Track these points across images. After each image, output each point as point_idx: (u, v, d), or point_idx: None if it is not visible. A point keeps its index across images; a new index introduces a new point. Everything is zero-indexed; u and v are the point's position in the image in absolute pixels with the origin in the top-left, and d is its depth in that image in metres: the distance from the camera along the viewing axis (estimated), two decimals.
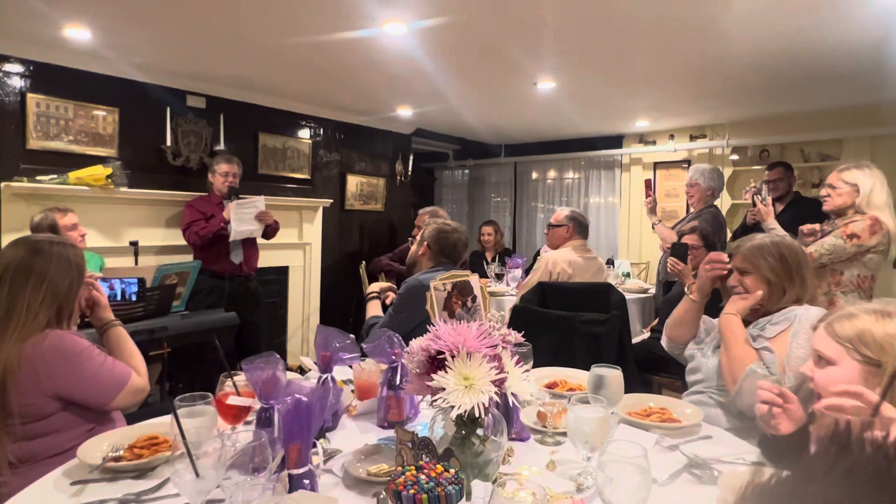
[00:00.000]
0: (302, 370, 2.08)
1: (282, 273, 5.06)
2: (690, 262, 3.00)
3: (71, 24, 3.16)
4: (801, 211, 3.60)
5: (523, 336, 1.36)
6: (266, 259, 4.59)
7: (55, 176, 3.60)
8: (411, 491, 0.80)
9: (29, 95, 3.57)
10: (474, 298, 1.37)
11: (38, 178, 3.55)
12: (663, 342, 2.03)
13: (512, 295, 3.91)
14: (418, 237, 2.56)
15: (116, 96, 3.95)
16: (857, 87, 4.22)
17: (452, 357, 1.06)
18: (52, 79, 3.67)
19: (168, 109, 4.15)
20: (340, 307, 5.44)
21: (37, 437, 1.47)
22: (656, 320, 3.63)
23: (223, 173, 3.85)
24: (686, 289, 1.91)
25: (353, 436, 1.48)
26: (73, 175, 3.63)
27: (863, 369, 1.08)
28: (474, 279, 1.37)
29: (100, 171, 3.71)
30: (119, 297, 2.25)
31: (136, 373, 1.61)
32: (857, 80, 4.04)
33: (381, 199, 6.02)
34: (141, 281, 2.30)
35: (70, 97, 3.74)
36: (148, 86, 4.09)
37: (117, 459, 1.27)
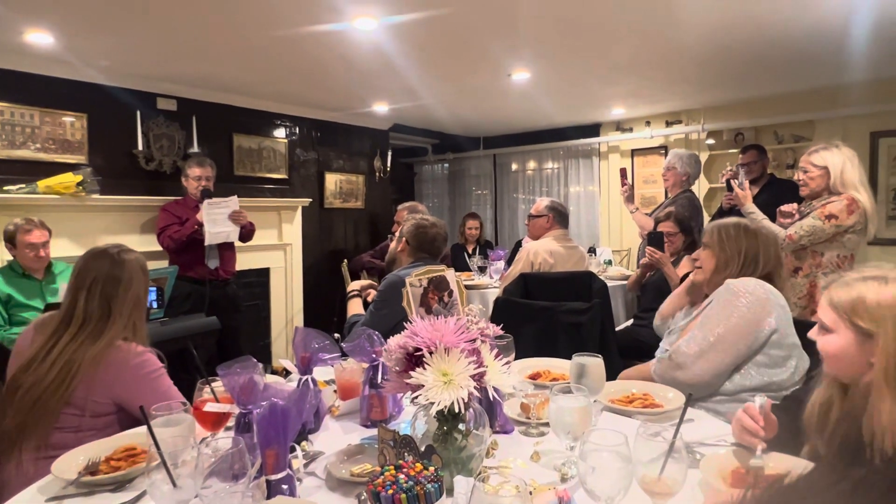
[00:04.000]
0: (287, 373, 2.06)
1: (263, 275, 5.00)
2: (668, 249, 3.02)
3: (32, 29, 3.07)
4: (777, 192, 3.64)
5: (506, 328, 1.35)
6: (246, 261, 4.53)
7: (23, 185, 3.51)
8: (390, 491, 0.79)
9: None
10: (451, 293, 1.36)
11: (6, 188, 3.45)
12: (656, 322, 2.11)
13: (495, 287, 3.91)
14: (397, 233, 2.55)
15: (84, 101, 3.86)
16: (826, 68, 4.28)
17: (430, 353, 1.05)
18: (15, 86, 3.57)
19: (138, 113, 4.07)
20: (324, 307, 5.40)
21: (82, 430, 1.52)
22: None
23: (195, 177, 3.76)
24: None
25: (336, 436, 1.46)
26: (43, 184, 3.54)
27: (856, 339, 1.09)
28: (450, 273, 1.36)
29: (70, 178, 3.62)
30: None
31: None
32: (824, 62, 4.09)
33: (361, 196, 5.98)
34: None
35: (35, 104, 3.65)
36: (116, 90, 4.00)
37: (94, 473, 1.24)
